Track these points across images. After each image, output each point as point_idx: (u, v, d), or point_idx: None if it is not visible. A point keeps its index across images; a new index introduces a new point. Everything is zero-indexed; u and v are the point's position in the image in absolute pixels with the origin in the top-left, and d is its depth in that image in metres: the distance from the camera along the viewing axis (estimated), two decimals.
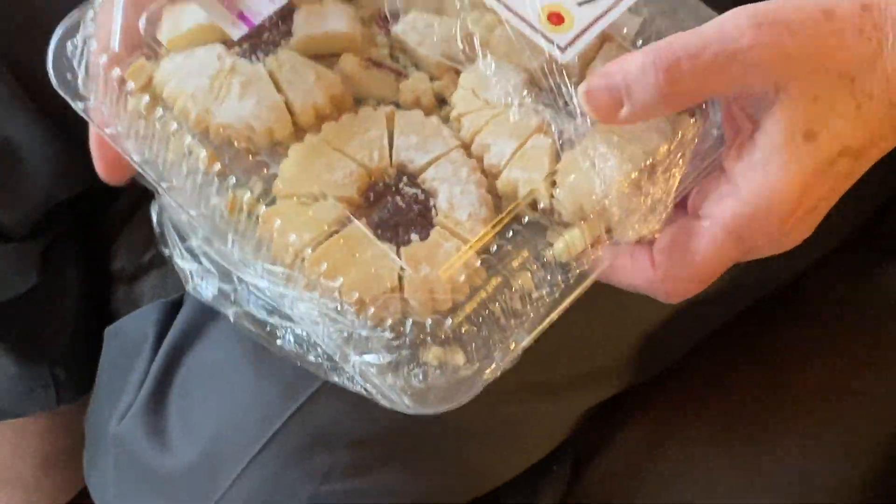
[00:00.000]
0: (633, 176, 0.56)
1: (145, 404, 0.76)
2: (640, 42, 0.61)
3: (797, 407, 0.76)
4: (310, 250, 0.54)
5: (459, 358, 0.55)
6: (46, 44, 0.80)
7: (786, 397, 0.77)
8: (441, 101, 0.61)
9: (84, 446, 0.87)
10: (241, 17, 0.58)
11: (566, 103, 0.58)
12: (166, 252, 0.63)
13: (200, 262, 0.60)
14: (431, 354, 0.54)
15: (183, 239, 0.61)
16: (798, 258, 0.79)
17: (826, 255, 0.82)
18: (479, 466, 0.75)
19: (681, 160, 0.58)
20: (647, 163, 0.57)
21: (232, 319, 0.60)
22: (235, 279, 0.59)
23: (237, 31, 0.58)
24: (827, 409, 0.76)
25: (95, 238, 1.00)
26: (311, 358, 0.58)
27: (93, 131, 0.59)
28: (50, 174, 0.87)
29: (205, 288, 0.61)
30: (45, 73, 0.81)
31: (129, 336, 0.85)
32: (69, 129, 0.84)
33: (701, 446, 0.77)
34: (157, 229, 0.62)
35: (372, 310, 0.53)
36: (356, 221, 0.55)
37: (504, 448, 0.75)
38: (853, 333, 0.79)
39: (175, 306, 0.83)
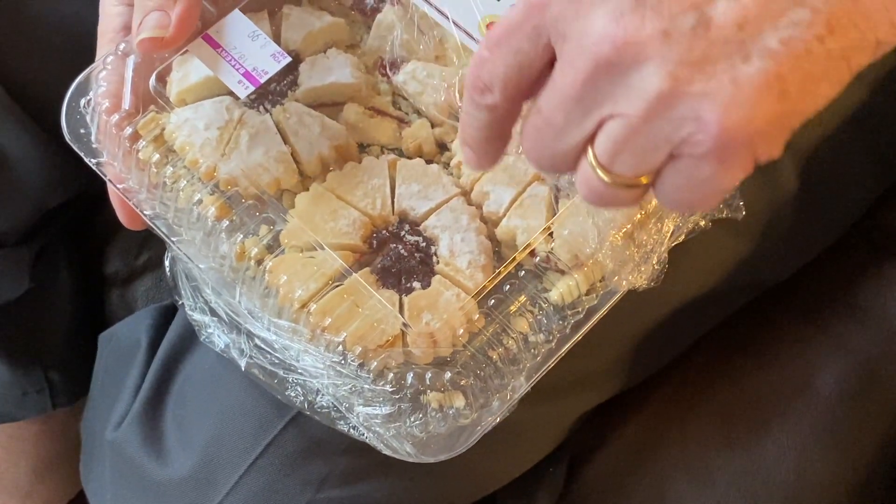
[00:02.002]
0: (625, 228, 0.60)
1: (142, 411, 0.78)
2: None
3: (793, 404, 0.78)
4: (314, 304, 0.57)
5: (460, 401, 0.59)
6: (36, 55, 0.84)
7: (781, 395, 0.79)
8: (442, 147, 0.65)
9: (80, 451, 0.89)
10: (247, 76, 0.61)
11: None
12: (179, 302, 0.66)
13: (213, 314, 0.64)
14: (433, 398, 0.58)
15: (196, 290, 0.64)
16: (793, 257, 0.83)
17: (821, 254, 0.84)
18: (476, 471, 0.77)
19: (672, 211, 0.62)
20: (640, 214, 0.61)
21: (243, 369, 0.64)
22: (244, 331, 0.62)
23: (243, 90, 0.61)
24: (823, 403, 0.78)
25: (89, 242, 1.02)
26: (318, 407, 0.62)
27: (110, 186, 0.63)
28: (41, 181, 0.89)
29: (217, 338, 0.65)
30: (35, 83, 0.85)
31: (123, 342, 0.87)
32: (59, 136, 0.86)
33: (696, 444, 0.79)
34: (170, 281, 0.66)
35: (374, 363, 0.57)
36: (356, 275, 0.59)
37: (501, 452, 0.77)
38: (849, 332, 0.80)
39: (169, 311, 0.86)
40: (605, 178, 0.46)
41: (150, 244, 0.99)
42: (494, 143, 0.51)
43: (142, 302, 0.98)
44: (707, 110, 0.43)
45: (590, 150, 0.46)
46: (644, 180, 0.46)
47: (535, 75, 0.47)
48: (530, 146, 0.49)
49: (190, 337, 0.79)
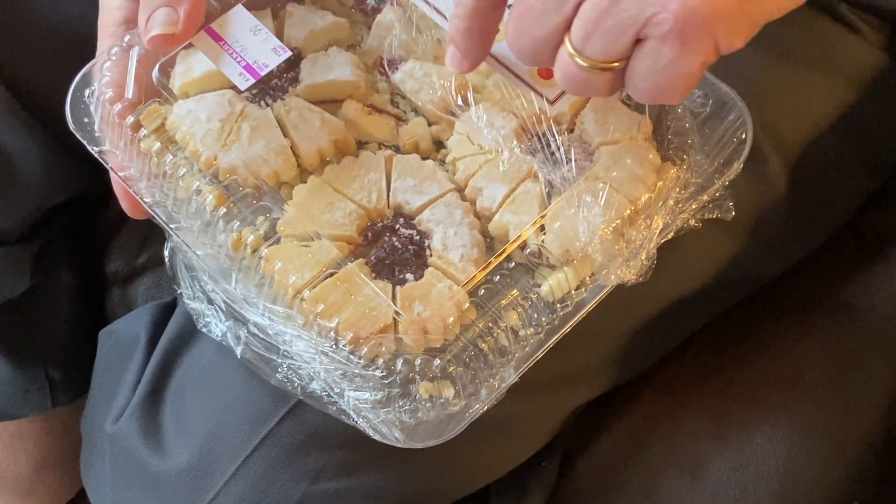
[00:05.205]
0: (615, 223, 0.62)
1: (141, 405, 0.80)
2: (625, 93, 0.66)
3: (782, 399, 0.80)
4: (308, 291, 0.60)
5: (449, 391, 0.61)
6: (38, 55, 0.86)
7: (771, 389, 0.81)
8: (438, 144, 0.67)
9: (81, 448, 0.89)
10: (248, 69, 0.64)
11: (553, 152, 0.64)
12: (178, 292, 0.68)
13: (210, 303, 0.66)
14: (422, 388, 0.60)
15: (194, 279, 0.66)
16: (783, 256, 0.85)
17: (810, 252, 0.86)
18: (470, 464, 0.79)
19: (662, 208, 0.65)
20: (629, 211, 0.63)
21: (238, 356, 0.66)
22: (240, 318, 0.64)
23: (244, 83, 0.63)
24: (812, 399, 0.79)
25: (90, 241, 1.04)
26: (310, 391, 0.64)
27: (113, 175, 0.66)
28: (42, 179, 0.91)
29: (215, 326, 0.67)
30: (37, 83, 0.87)
31: (123, 337, 0.89)
32: (60, 136, 0.86)
33: (687, 439, 0.81)
34: (169, 271, 0.68)
35: (365, 349, 0.59)
36: (351, 264, 0.61)
37: (494, 446, 0.79)
38: (837, 328, 0.83)
39: (168, 308, 0.88)
40: (581, 62, 0.51)
41: (150, 244, 1.01)
42: (476, 37, 0.56)
43: (142, 301, 1.00)
44: None
45: (567, 40, 0.51)
46: (614, 65, 0.51)
47: None
48: (513, 34, 0.53)
49: (189, 332, 0.81)
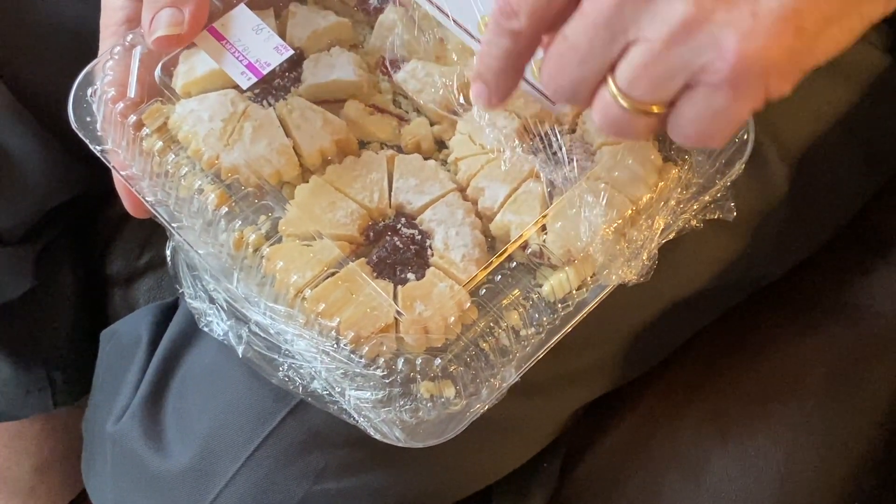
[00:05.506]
0: (616, 223, 0.62)
1: (142, 405, 0.80)
2: None
3: (784, 400, 0.80)
4: (309, 290, 0.60)
5: (450, 390, 0.61)
6: (39, 56, 0.86)
7: (772, 391, 0.81)
8: (440, 144, 0.67)
9: (82, 448, 0.90)
10: (250, 67, 0.64)
11: (555, 152, 0.64)
12: (180, 291, 0.69)
13: (212, 302, 0.66)
14: (423, 388, 0.60)
15: (196, 279, 0.67)
16: (785, 257, 0.85)
17: (812, 254, 0.86)
18: (472, 465, 0.79)
19: (663, 208, 0.65)
20: (631, 211, 0.63)
21: (240, 355, 0.66)
22: (241, 317, 0.65)
23: (246, 81, 0.64)
24: (813, 400, 0.79)
25: (91, 242, 1.05)
26: (312, 390, 0.64)
27: (115, 174, 0.66)
28: (44, 179, 0.91)
29: (216, 325, 0.67)
30: (39, 84, 0.87)
31: (124, 338, 0.89)
32: (62, 136, 0.88)
33: (689, 440, 0.81)
34: (171, 269, 0.68)
35: (366, 348, 0.59)
36: (353, 263, 0.61)
37: (496, 447, 0.79)
38: (839, 329, 0.82)
39: (170, 309, 0.88)
40: (624, 104, 0.49)
41: (151, 245, 1.01)
42: (509, 75, 0.54)
43: (143, 302, 1.01)
44: (726, 38, 0.45)
45: (609, 79, 0.49)
46: (658, 109, 0.49)
47: (561, 6, 0.49)
48: (552, 73, 0.51)
49: (191, 332, 0.81)
